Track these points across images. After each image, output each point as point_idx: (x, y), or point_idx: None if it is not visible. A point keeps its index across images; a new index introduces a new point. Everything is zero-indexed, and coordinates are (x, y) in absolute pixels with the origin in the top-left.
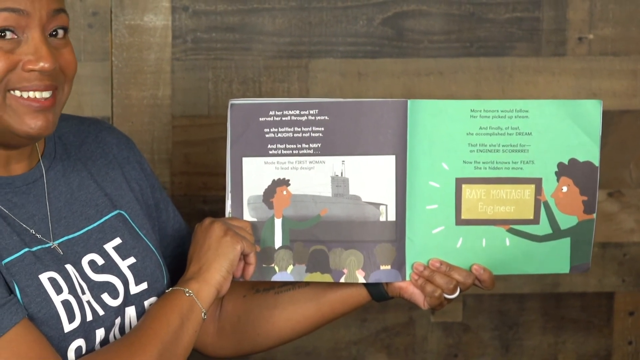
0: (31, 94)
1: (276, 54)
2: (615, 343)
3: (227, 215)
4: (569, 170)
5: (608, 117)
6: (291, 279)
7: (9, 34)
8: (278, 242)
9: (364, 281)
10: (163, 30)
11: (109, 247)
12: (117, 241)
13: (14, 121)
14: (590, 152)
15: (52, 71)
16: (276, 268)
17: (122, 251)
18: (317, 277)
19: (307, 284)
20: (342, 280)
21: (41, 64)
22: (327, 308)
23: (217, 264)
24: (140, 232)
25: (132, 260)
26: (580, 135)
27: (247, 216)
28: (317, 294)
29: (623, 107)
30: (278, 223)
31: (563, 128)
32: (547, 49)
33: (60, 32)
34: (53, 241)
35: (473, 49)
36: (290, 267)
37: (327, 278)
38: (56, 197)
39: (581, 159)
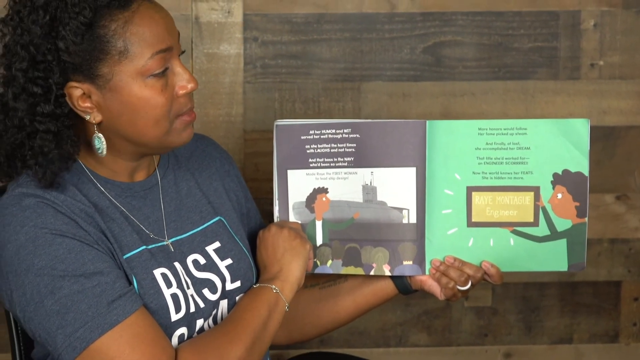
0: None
1: (332, 78)
2: (622, 324)
3: (275, 219)
4: (562, 179)
5: (616, 132)
6: (330, 271)
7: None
8: (319, 241)
9: (390, 274)
10: (236, 57)
11: (210, 248)
12: (217, 244)
13: (175, 138)
14: (580, 164)
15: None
16: (318, 262)
17: (221, 253)
18: (351, 270)
19: (346, 279)
20: (372, 273)
21: (190, 86)
22: (362, 299)
23: (295, 263)
24: (236, 237)
25: (229, 261)
26: (571, 149)
27: (292, 219)
28: (354, 288)
29: (629, 123)
30: (319, 224)
31: (557, 143)
32: (564, 74)
33: None
34: (167, 240)
35: (501, 73)
36: (330, 262)
37: (359, 271)
38: (168, 202)
39: (573, 169)
